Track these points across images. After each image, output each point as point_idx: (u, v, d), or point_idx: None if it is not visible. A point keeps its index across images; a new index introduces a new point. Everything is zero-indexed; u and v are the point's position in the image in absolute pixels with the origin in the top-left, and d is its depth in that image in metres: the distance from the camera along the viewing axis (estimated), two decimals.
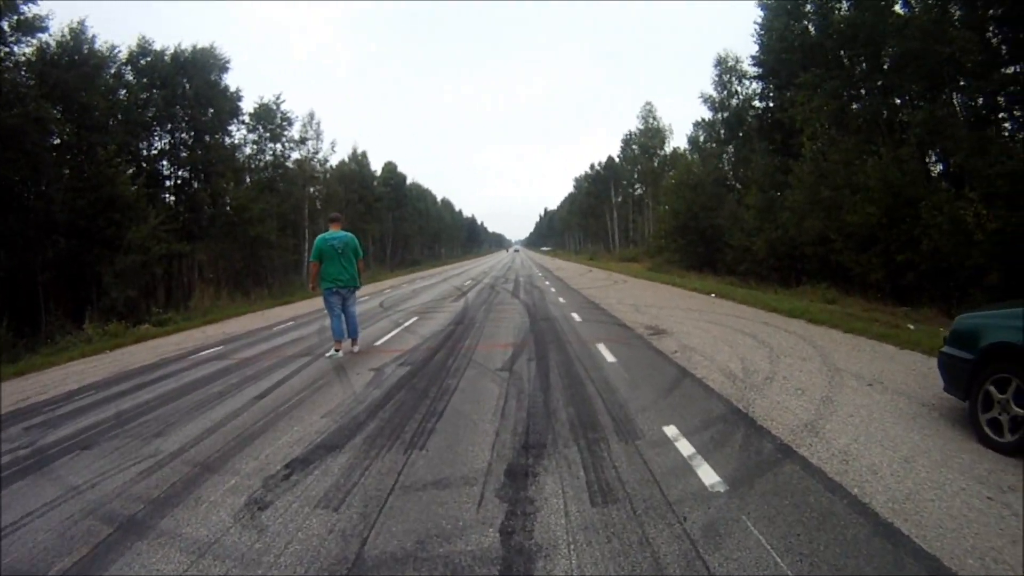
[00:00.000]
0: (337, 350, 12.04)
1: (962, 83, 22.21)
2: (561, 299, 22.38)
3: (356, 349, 12.38)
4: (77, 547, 4.32)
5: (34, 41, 28.88)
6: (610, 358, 10.24)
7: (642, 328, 13.84)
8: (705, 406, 7.13)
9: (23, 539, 4.52)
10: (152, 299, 31.47)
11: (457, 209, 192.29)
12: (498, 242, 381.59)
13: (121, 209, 29.51)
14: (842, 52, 26.82)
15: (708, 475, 5.02)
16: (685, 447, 5.71)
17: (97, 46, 33.54)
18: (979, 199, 18.28)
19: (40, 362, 15.14)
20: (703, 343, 11.51)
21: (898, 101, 25.39)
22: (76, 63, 31.10)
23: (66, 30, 31.48)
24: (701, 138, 53.71)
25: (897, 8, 24.49)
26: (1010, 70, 20.53)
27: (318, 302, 23.86)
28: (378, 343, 13.53)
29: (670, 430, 6.21)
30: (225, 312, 25.67)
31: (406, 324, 16.62)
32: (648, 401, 7.39)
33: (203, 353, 13.92)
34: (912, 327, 13.43)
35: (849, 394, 7.48)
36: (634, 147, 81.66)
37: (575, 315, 16.83)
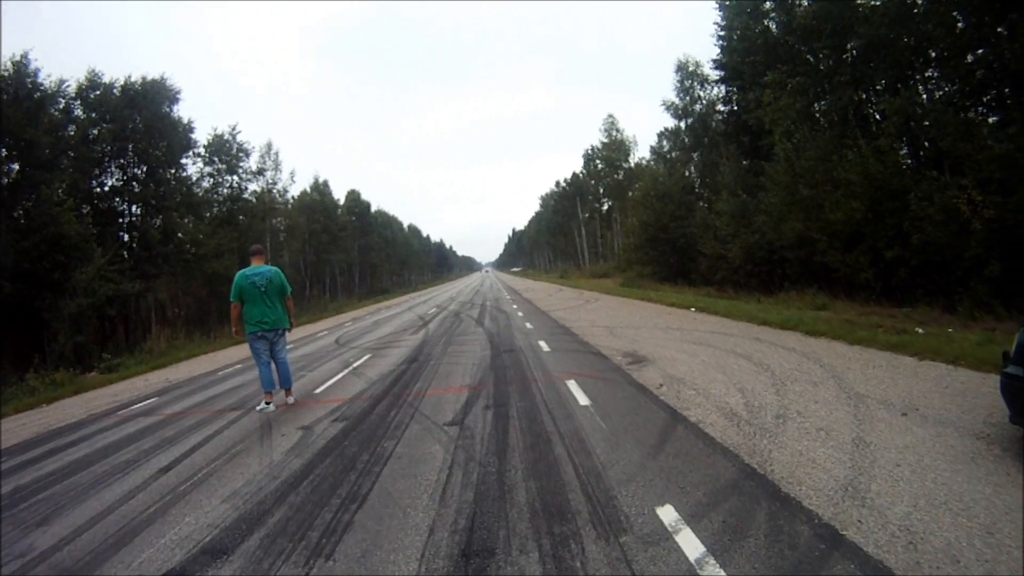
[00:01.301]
0: (268, 402, 10.46)
1: (931, 72, 21.50)
2: (528, 324, 20.78)
3: (290, 400, 10.80)
4: None
5: None
6: (583, 399, 8.53)
7: (619, 356, 12.16)
8: (708, 467, 5.47)
9: None
10: (109, 342, 30.77)
11: (425, 234, 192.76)
12: (468, 265, 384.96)
13: (66, 250, 28.36)
14: (806, 47, 25.72)
15: None
16: (690, 543, 4.08)
17: (43, 80, 32.27)
18: (972, 185, 16.96)
19: None
20: (692, 371, 9.86)
21: (864, 95, 24.34)
22: (19, 98, 29.79)
23: (8, 64, 30.34)
24: (666, 147, 53.18)
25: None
26: (974, 55, 19.48)
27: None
28: (319, 390, 11.96)
29: (666, 513, 4.56)
30: (178, 354, 24.34)
31: (356, 364, 15.11)
32: (633, 465, 5.70)
33: (134, 407, 12.80)
34: (920, 331, 12.07)
35: (884, 431, 6.00)
36: (598, 162, 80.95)
37: (543, 343, 15.18)
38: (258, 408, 10.41)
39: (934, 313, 15.88)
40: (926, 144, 21.05)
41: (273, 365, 10.66)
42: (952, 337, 10.68)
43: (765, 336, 12.93)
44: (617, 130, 76.29)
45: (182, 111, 47.28)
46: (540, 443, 6.69)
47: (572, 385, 9.56)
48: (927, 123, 20.22)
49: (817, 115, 25.64)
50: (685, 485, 5.06)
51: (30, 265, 27.43)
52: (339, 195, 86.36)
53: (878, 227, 20.10)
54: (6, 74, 29.89)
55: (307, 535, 4.93)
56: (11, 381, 20.35)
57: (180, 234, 40.12)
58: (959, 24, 19.22)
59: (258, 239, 49.22)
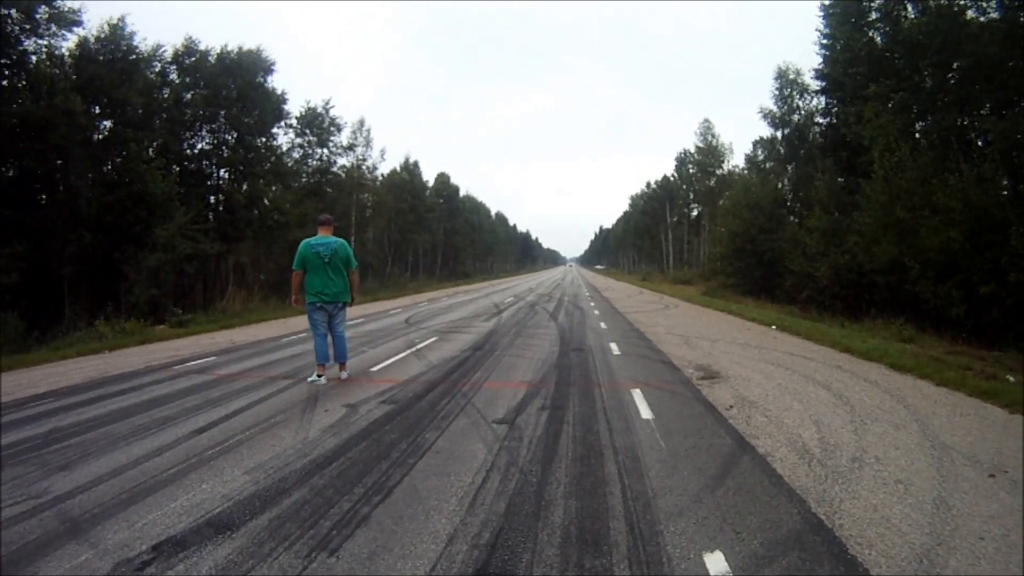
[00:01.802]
0: (320, 375, 10.22)
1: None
2: (603, 324, 20.19)
3: (344, 375, 10.55)
4: None
5: (71, 36, 28.36)
6: (645, 413, 7.97)
7: (691, 369, 11.53)
8: (770, 511, 4.86)
9: None
10: (187, 298, 31.66)
11: (511, 223, 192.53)
12: (552, 258, 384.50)
13: (150, 206, 28.76)
14: (911, 63, 24.83)
15: None
16: None
17: (139, 44, 32.73)
18: None
19: (36, 358, 14.50)
20: (765, 395, 9.22)
21: (968, 119, 23.70)
22: (114, 59, 30.38)
23: (105, 26, 30.70)
24: (760, 156, 52.07)
25: (970, 14, 22.75)
26: None
27: (354, 311, 22.56)
28: (375, 368, 11.72)
29: (715, 562, 3.97)
30: (251, 317, 24.58)
31: (420, 345, 14.84)
32: (687, 496, 5.13)
33: (191, 364, 12.72)
34: (1012, 379, 11.02)
35: (968, 493, 5.29)
36: (690, 166, 79.65)
37: (614, 346, 14.57)
38: (309, 380, 10.18)
39: None
40: None
41: (330, 339, 10.42)
42: None
43: (847, 365, 12.16)
44: (712, 135, 74.75)
45: (277, 83, 47.62)
46: (591, 456, 6.18)
47: (637, 395, 9.01)
48: None
49: (918, 135, 24.93)
50: (741, 530, 4.48)
51: (113, 218, 27.92)
52: (429, 178, 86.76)
53: (975, 259, 19.16)
54: (103, 36, 30.38)
55: (319, 523, 4.57)
56: (81, 326, 20.77)
57: (265, 201, 40.30)
58: None
59: (344, 213, 49.77)
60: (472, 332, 17.73)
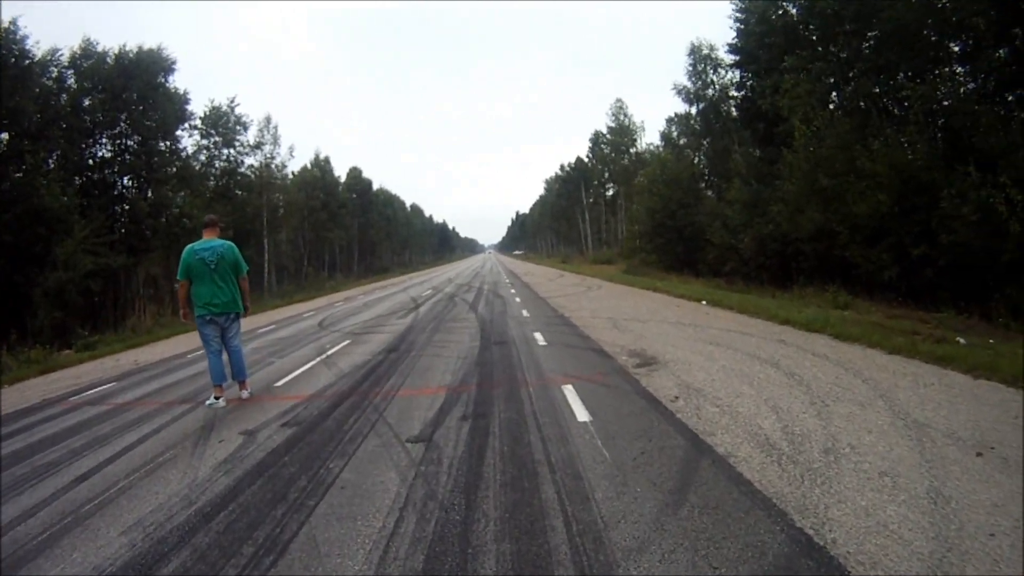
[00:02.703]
0: (217, 397, 9.04)
1: (958, 67, 20.54)
2: (525, 312, 19.32)
3: (245, 394, 9.38)
4: None
5: None
6: (581, 413, 7.00)
7: (624, 355, 10.61)
8: (748, 532, 3.96)
9: None
10: (97, 318, 30.10)
11: (428, 215, 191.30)
12: (471, 247, 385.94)
13: (48, 222, 27.50)
14: (827, 31, 24.86)
15: None
16: None
17: (33, 48, 31.13)
18: (1011, 184, 15.62)
19: None
20: (712, 380, 8.35)
21: (885, 87, 23.21)
22: (5, 66, 28.60)
23: None
24: (675, 133, 52.07)
25: None
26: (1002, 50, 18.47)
27: (260, 319, 21.37)
28: (281, 382, 10.62)
29: None
30: (161, 333, 23.18)
31: (332, 351, 13.77)
32: (646, 523, 4.17)
33: (88, 393, 11.63)
34: (962, 341, 10.64)
35: (961, 479, 4.62)
36: (604, 146, 79.41)
37: (538, 336, 13.63)
38: (207, 404, 9.02)
39: (970, 321, 14.61)
40: (951, 138, 19.70)
41: (225, 355, 9.29)
42: (1000, 351, 9.25)
43: (789, 338, 11.46)
44: (625, 115, 74.66)
45: (179, 83, 46.36)
46: (524, 477, 5.19)
47: (569, 392, 8.05)
48: (953, 115, 19.09)
49: (834, 103, 25.00)
50: (719, 562, 3.54)
51: (11, 238, 26.56)
52: (340, 174, 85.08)
53: (904, 222, 18.89)
54: None
55: None
56: None
57: (174, 208, 38.95)
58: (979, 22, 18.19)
59: (255, 214, 48.43)
60: (387, 331, 16.70)
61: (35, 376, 15.34)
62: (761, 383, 7.98)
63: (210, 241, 9.16)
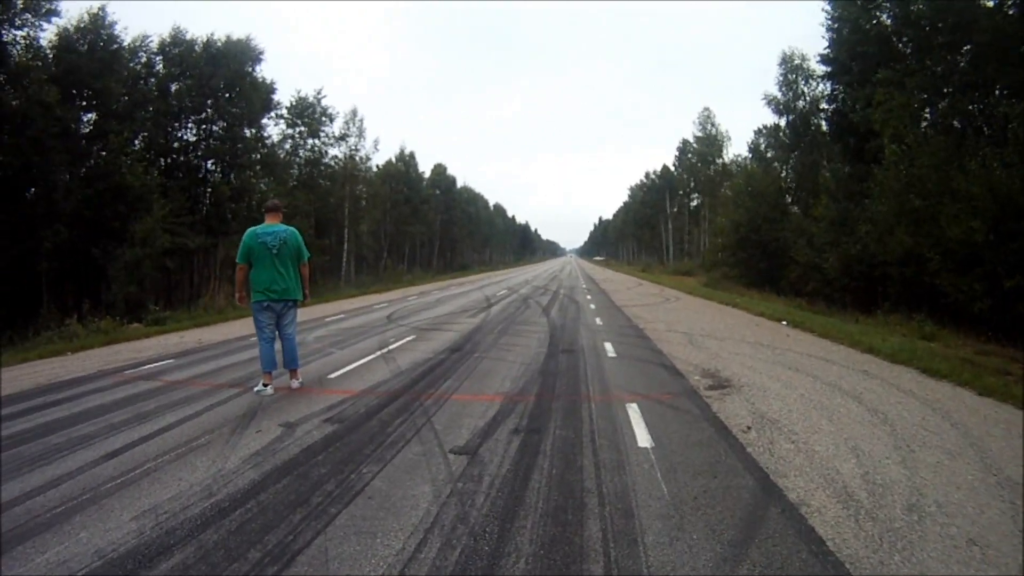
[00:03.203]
0: (266, 384, 8.85)
1: None
2: (598, 320, 18.74)
3: (296, 384, 9.14)
4: None
5: (50, 26, 27.77)
6: (643, 438, 6.44)
7: (697, 375, 10.02)
8: None
9: None
10: (174, 295, 31.41)
11: (510, 215, 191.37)
12: (552, 250, 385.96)
13: (128, 200, 28.00)
14: (919, 44, 24.29)
15: None
16: None
17: (123, 35, 31.95)
18: None
19: None
20: (788, 410, 7.71)
21: (979, 105, 22.72)
22: (94, 48, 29.59)
23: (86, 15, 30.02)
24: (762, 145, 51.01)
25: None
26: None
27: (331, 308, 21.21)
28: (334, 375, 10.29)
29: None
30: (232, 314, 23.03)
31: (393, 346, 13.46)
32: None
33: (144, 368, 11.66)
34: None
35: None
36: (690, 155, 78.39)
37: (609, 346, 13.06)
38: (255, 390, 8.79)
39: None
40: None
41: (276, 342, 9.02)
42: None
43: (874, 369, 10.70)
44: (712, 124, 73.64)
45: (267, 73, 47.16)
46: (568, 507, 4.66)
47: (633, 411, 7.48)
48: None
49: (927, 120, 24.22)
50: None
51: (92, 213, 27.20)
52: (425, 170, 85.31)
53: (999, 250, 17.82)
54: (83, 26, 29.70)
55: None
56: (52, 326, 19.69)
57: (254, 193, 39.37)
58: None
59: (338, 205, 48.83)
60: (454, 330, 16.32)
61: (100, 346, 15.50)
62: (841, 418, 7.33)
63: (273, 226, 8.89)
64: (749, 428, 6.85)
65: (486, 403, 8.03)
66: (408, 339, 14.56)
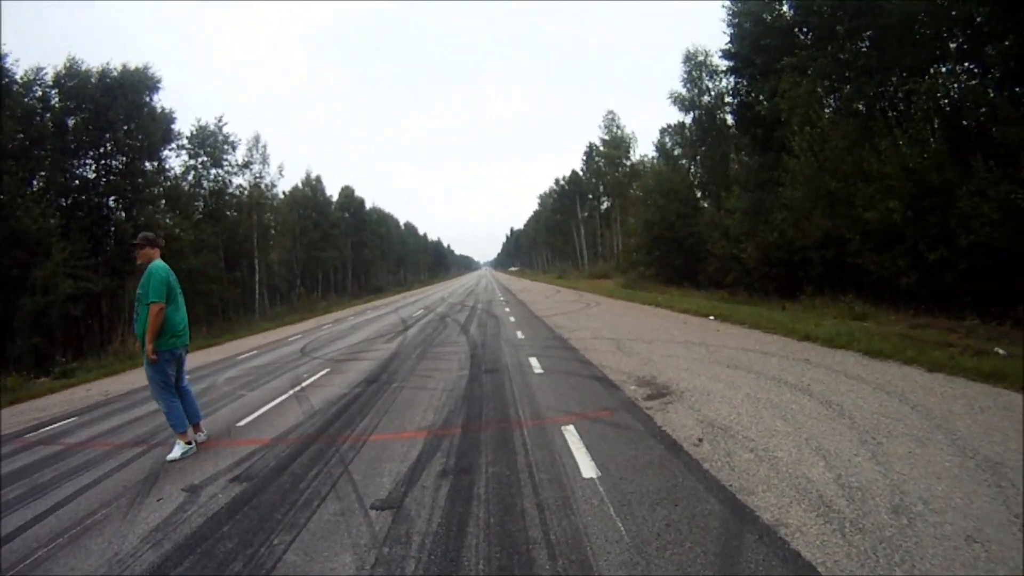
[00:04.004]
0: (189, 443, 7.72)
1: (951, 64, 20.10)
2: (519, 334, 18.02)
3: (200, 437, 8.11)
4: None
5: None
6: (586, 466, 5.70)
7: (632, 383, 9.36)
8: None
9: None
10: (83, 343, 30.10)
11: (422, 233, 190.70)
12: (466, 264, 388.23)
13: (27, 245, 26.87)
14: (822, 33, 24.37)
15: None
16: None
17: (14, 67, 31.38)
18: None
19: None
20: (738, 414, 7.12)
21: (884, 87, 22.72)
22: None
23: None
24: (668, 144, 51.67)
25: None
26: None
27: (244, 344, 20.44)
28: (244, 422, 9.40)
29: None
30: (140, 360, 21.77)
31: (307, 382, 12.56)
32: None
33: (45, 430, 10.84)
34: (1001, 351, 9.73)
35: None
36: (598, 159, 78.93)
37: (534, 361, 12.33)
38: (176, 455, 7.52)
39: (1001, 328, 13.42)
40: (959, 135, 18.87)
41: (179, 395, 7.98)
42: None
43: (815, 357, 10.30)
44: (618, 127, 74.50)
45: (165, 102, 46.04)
46: (515, 565, 3.98)
47: (570, 435, 6.76)
48: (963, 109, 18.53)
49: (832, 104, 24.51)
50: None
51: None
52: (333, 193, 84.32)
53: (919, 225, 18.02)
54: None
55: None
56: None
57: (158, 229, 37.52)
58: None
59: (246, 235, 47.88)
60: (370, 358, 15.52)
61: (7, 406, 14.57)
62: (796, 416, 6.79)
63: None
64: (701, 440, 6.23)
65: (408, 441, 7.27)
66: (322, 373, 13.76)
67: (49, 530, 5.63)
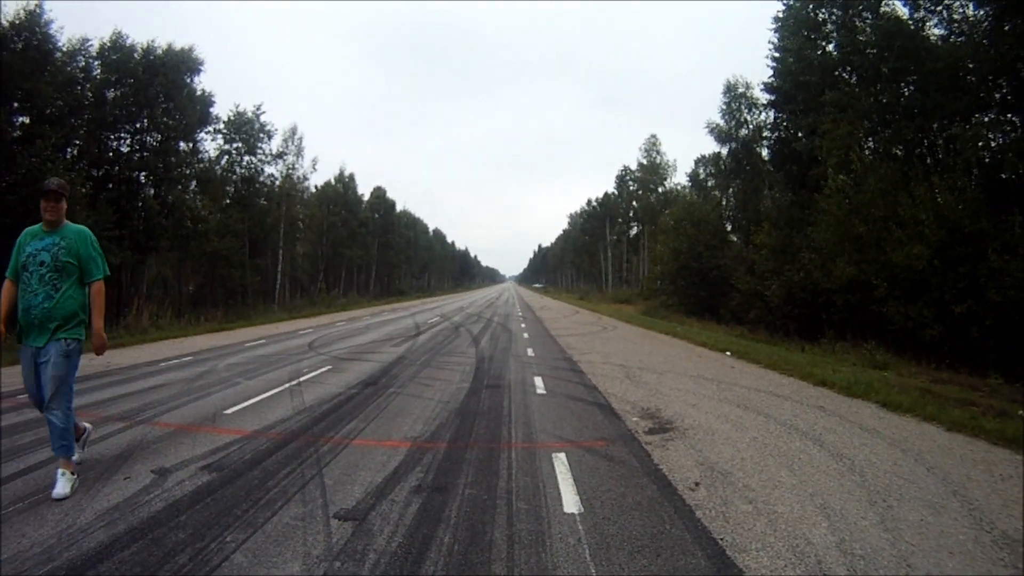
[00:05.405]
0: (72, 473, 5.71)
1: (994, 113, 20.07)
2: (530, 351, 17.70)
3: (77, 457, 6.16)
4: None
5: None
6: (570, 502, 5.27)
7: (635, 415, 8.97)
8: None
9: None
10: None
11: (450, 241, 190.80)
12: (491, 277, 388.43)
13: None
14: (865, 73, 24.46)
15: None
16: None
17: (62, 37, 30.72)
18: None
19: None
20: (741, 459, 6.72)
21: (926, 134, 22.76)
22: (27, 47, 28.17)
23: (22, 12, 28.59)
24: (702, 174, 51.30)
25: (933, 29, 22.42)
26: None
27: (255, 332, 20.45)
28: (232, 410, 9.22)
29: None
30: (155, 335, 22.61)
31: (305, 377, 12.40)
32: None
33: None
34: None
35: None
36: (631, 182, 78.52)
37: (538, 381, 11.98)
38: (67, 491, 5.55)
39: None
40: (998, 187, 18.85)
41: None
42: None
43: (830, 404, 9.90)
44: (658, 151, 73.76)
45: (206, 85, 46.07)
46: None
47: (559, 463, 6.37)
48: (1004, 160, 18.26)
49: (871, 147, 24.39)
50: None
51: (11, 221, 24.83)
52: (364, 192, 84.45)
53: (947, 276, 17.73)
54: (18, 23, 28.28)
55: None
56: None
57: (184, 209, 38.02)
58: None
59: (273, 225, 47.72)
60: (374, 360, 15.29)
61: (7, 366, 14.09)
62: (803, 467, 6.37)
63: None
64: (697, 484, 5.81)
65: (389, 451, 6.93)
66: (323, 370, 13.55)
67: (12, 494, 5.50)
